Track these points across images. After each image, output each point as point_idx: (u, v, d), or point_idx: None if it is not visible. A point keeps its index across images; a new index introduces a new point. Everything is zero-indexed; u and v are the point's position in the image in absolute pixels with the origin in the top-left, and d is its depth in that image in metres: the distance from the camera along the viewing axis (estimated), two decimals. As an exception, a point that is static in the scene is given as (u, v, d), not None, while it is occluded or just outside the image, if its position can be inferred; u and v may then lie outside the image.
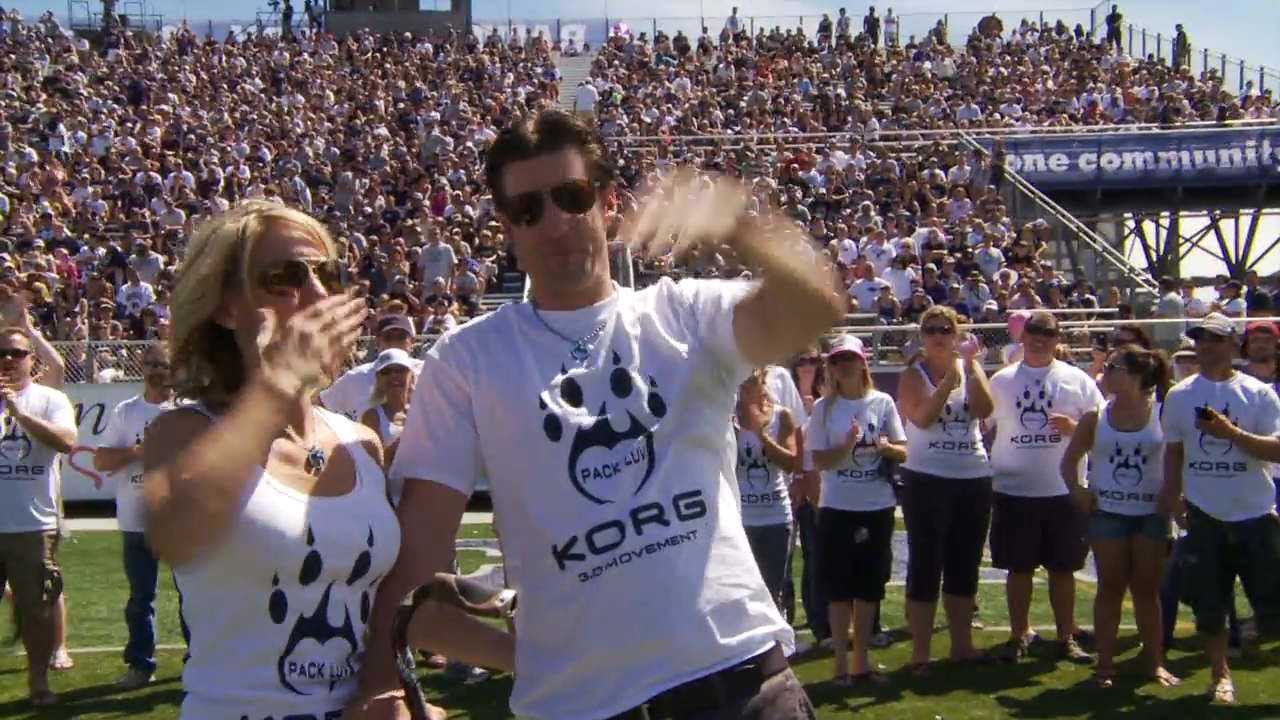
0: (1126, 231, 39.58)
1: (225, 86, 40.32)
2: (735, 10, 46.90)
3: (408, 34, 45.56)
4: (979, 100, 38.43)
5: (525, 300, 2.86)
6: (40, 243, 28.95)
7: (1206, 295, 27.10)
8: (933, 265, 26.20)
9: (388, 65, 42.39)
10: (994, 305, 23.27)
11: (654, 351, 2.71)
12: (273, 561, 2.53)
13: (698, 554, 2.61)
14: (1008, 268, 25.99)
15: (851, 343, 8.96)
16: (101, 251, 28.29)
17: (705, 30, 46.32)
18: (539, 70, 42.70)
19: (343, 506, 2.63)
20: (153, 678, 8.87)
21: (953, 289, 24.57)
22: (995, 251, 27.06)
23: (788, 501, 8.63)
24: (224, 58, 43.78)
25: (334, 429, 2.80)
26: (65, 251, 28.40)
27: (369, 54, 43.67)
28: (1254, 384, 8.12)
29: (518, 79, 41.46)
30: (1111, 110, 37.94)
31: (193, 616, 2.59)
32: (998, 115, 37.06)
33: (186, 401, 2.67)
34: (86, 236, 29.49)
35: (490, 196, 2.75)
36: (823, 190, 31.53)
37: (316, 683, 2.58)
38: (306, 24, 48.68)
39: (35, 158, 33.77)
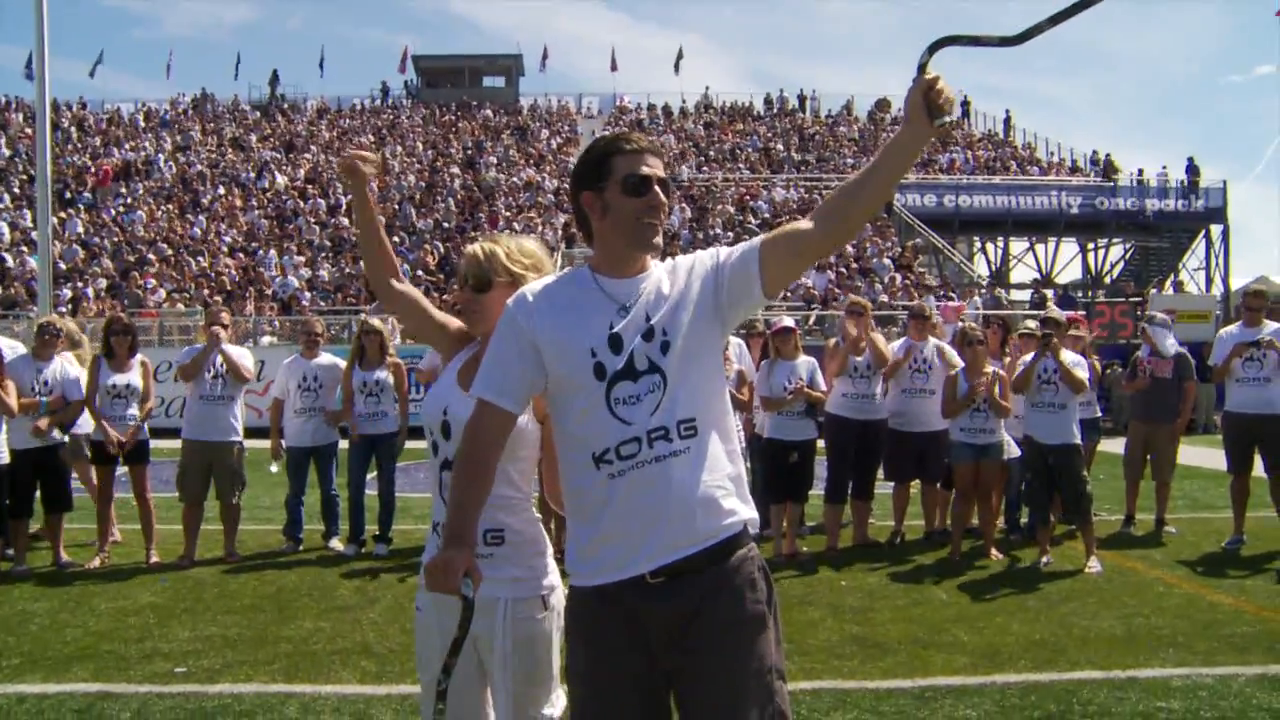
0: (974, 250, 39.81)
1: (347, 139, 40.15)
2: (708, 88, 46.92)
3: (474, 103, 45.37)
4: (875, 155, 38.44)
5: (585, 267, 2.68)
6: (225, 248, 28.99)
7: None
8: (843, 269, 26.23)
9: (460, 125, 42.17)
10: (885, 298, 23.36)
11: (669, 307, 2.57)
12: (428, 421, 2.94)
13: (690, 464, 2.52)
14: (894, 272, 26.03)
15: (788, 321, 9.00)
16: (262, 253, 28.33)
17: (684, 101, 46.08)
18: (565, 128, 42.46)
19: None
20: (301, 547, 8.96)
21: (856, 286, 24.61)
22: (887, 261, 27.09)
23: (740, 433, 8.65)
24: (347, 120, 43.65)
25: None
26: (241, 255, 28.47)
27: (447, 117, 43.45)
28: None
29: (551, 134, 41.29)
30: (965, 166, 38.00)
31: None
32: (888, 166, 37.13)
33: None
34: (254, 244, 29.50)
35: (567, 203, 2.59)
36: (767, 215, 31.47)
37: None
38: (404, 97, 48.47)
39: (223, 191, 33.83)
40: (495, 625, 2.83)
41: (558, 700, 2.91)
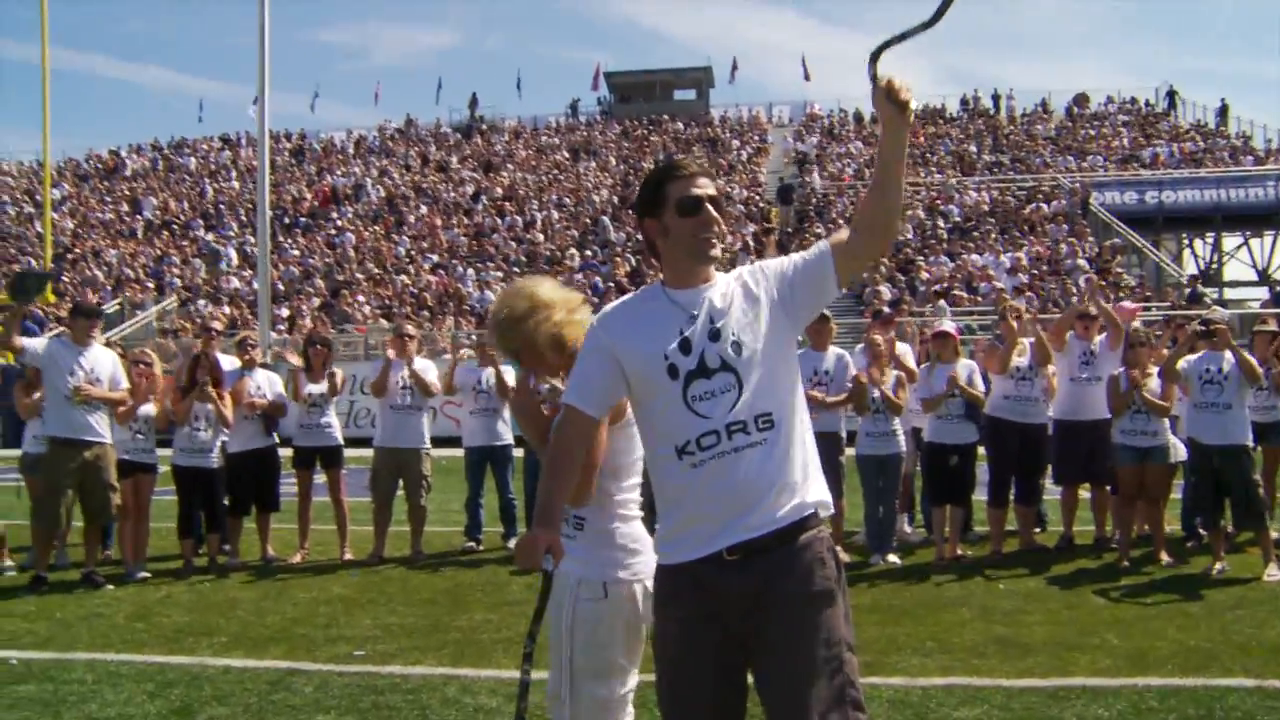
0: (1182, 247, 37.75)
1: (543, 157, 41.48)
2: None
3: (666, 116, 46.09)
4: (1073, 153, 37.01)
5: (657, 284, 2.96)
6: (427, 265, 30.48)
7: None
8: (1035, 271, 25.63)
9: (653, 138, 42.91)
10: (1077, 300, 22.64)
11: (735, 312, 2.82)
12: None
13: (765, 454, 2.76)
14: (1091, 273, 25.19)
15: (947, 325, 9.03)
16: (461, 270, 29.63)
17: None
18: (755, 137, 42.62)
19: None
20: (481, 546, 9.49)
21: (1049, 288, 23.99)
22: (1082, 261, 26.24)
23: (902, 437, 8.74)
24: (544, 138, 45.07)
25: None
26: (442, 272, 29.88)
27: (639, 130, 44.30)
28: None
29: (741, 144, 41.54)
30: (1170, 160, 36.17)
31: None
32: (1086, 164, 35.68)
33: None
34: (454, 261, 30.89)
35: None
36: (958, 218, 30.94)
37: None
38: (598, 113, 49.64)
39: (425, 211, 35.53)
40: (564, 598, 3.15)
41: (613, 684, 3.17)
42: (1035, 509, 9.23)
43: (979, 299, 24.41)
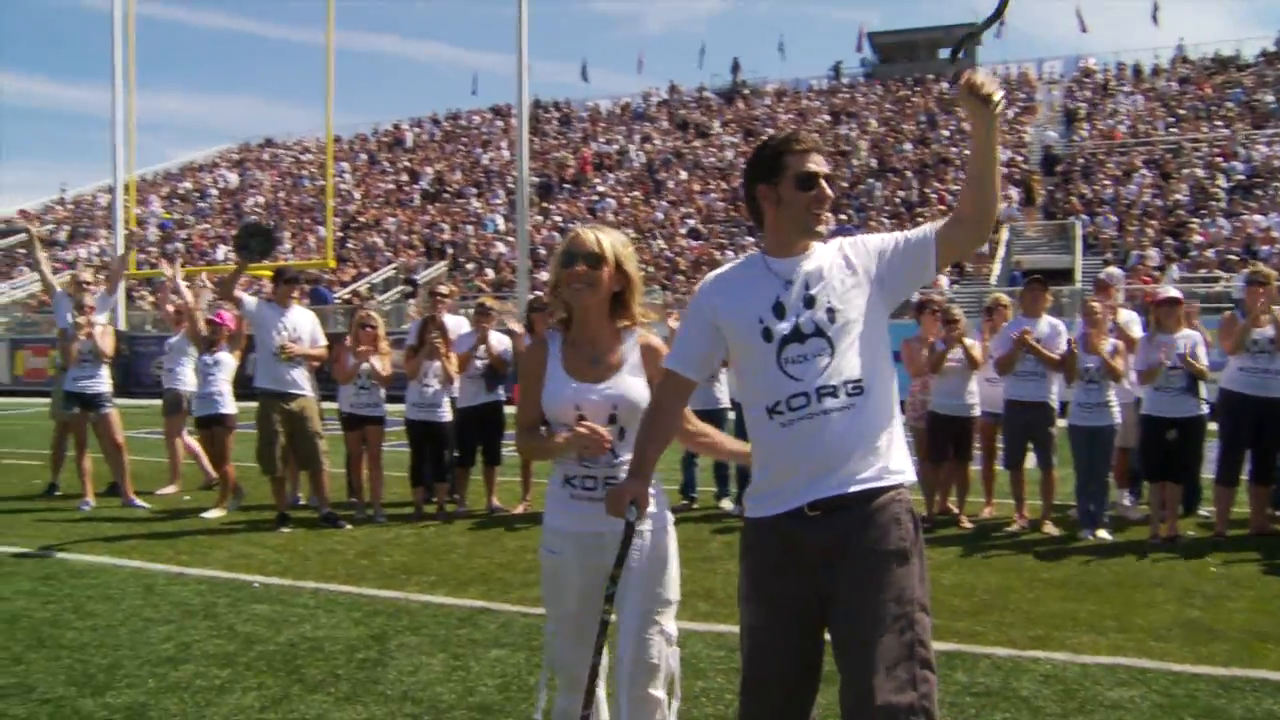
0: None
1: (804, 120, 41.19)
2: (1181, 39, 42.99)
3: (930, 76, 44.72)
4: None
5: (758, 252, 3.08)
6: (682, 231, 31.04)
7: None
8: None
9: (915, 99, 41.79)
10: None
11: (832, 281, 2.94)
12: (559, 417, 3.32)
13: (854, 419, 2.86)
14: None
15: (1172, 291, 8.56)
16: (717, 235, 29.96)
17: (1156, 58, 42.48)
18: (1022, 95, 40.69)
19: (597, 389, 3.29)
20: (696, 504, 9.80)
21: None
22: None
23: (1117, 408, 8.38)
24: (804, 101, 44.74)
25: (625, 345, 3.39)
26: (690, 239, 30.39)
27: (902, 91, 43.20)
28: None
29: (1009, 102, 39.76)
30: None
31: None
32: None
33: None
34: (712, 227, 31.30)
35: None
36: (1242, 175, 28.64)
37: (591, 470, 3.32)
38: (861, 75, 48.72)
39: (685, 176, 36.10)
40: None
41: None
42: (1271, 489, 8.63)
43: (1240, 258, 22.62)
